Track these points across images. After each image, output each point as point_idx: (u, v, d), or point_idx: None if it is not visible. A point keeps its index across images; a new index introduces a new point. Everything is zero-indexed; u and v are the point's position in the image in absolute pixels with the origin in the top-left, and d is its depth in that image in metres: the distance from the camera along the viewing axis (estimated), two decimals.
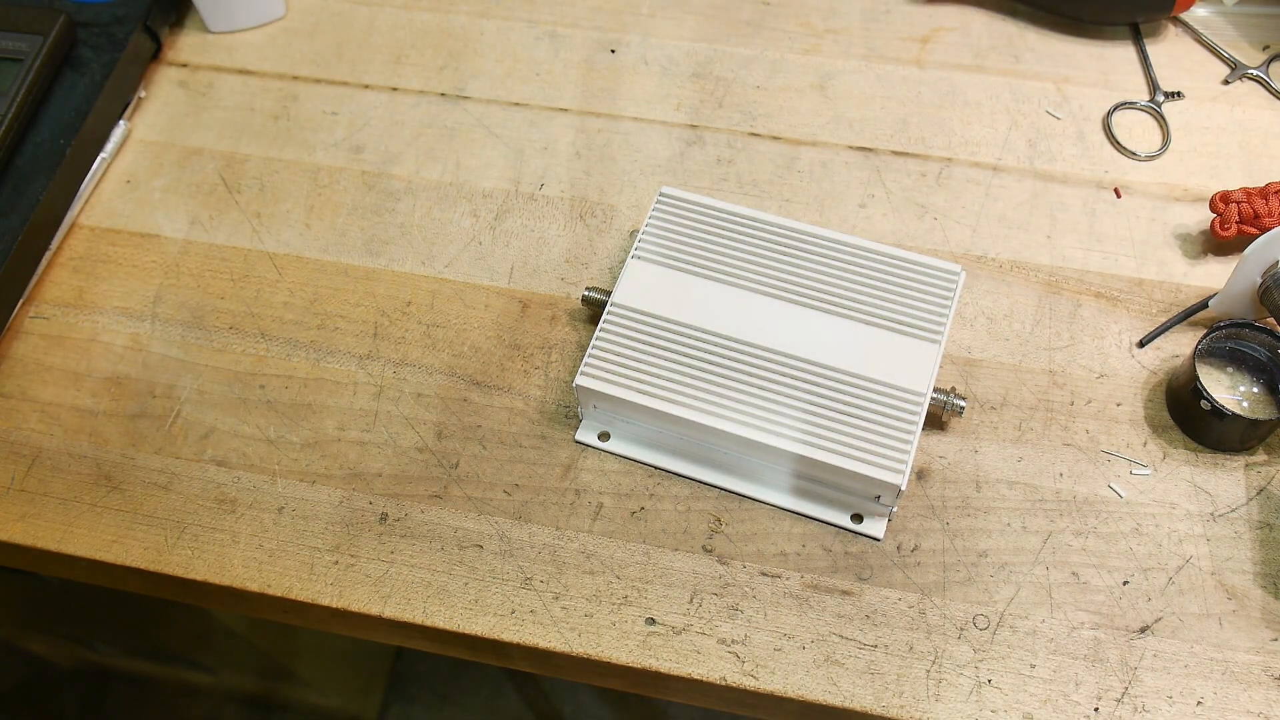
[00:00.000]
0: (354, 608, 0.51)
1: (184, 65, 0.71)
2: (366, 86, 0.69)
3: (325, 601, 0.52)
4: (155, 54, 0.71)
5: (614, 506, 0.54)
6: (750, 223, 0.57)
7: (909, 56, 0.69)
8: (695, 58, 0.70)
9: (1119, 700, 0.48)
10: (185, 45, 0.72)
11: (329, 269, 0.62)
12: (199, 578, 0.53)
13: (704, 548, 0.52)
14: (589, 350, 0.54)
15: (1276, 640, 0.49)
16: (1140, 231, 0.61)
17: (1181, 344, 0.57)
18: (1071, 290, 0.59)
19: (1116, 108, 0.66)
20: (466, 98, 0.68)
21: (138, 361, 0.59)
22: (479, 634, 0.51)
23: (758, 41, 0.70)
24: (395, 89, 0.69)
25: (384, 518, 0.54)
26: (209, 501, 0.55)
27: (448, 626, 0.51)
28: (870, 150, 0.65)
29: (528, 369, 0.58)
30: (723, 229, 0.57)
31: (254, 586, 0.52)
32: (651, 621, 0.50)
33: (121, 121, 0.67)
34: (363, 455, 0.55)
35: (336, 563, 0.53)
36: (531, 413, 0.56)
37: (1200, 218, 0.61)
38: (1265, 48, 0.68)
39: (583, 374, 0.53)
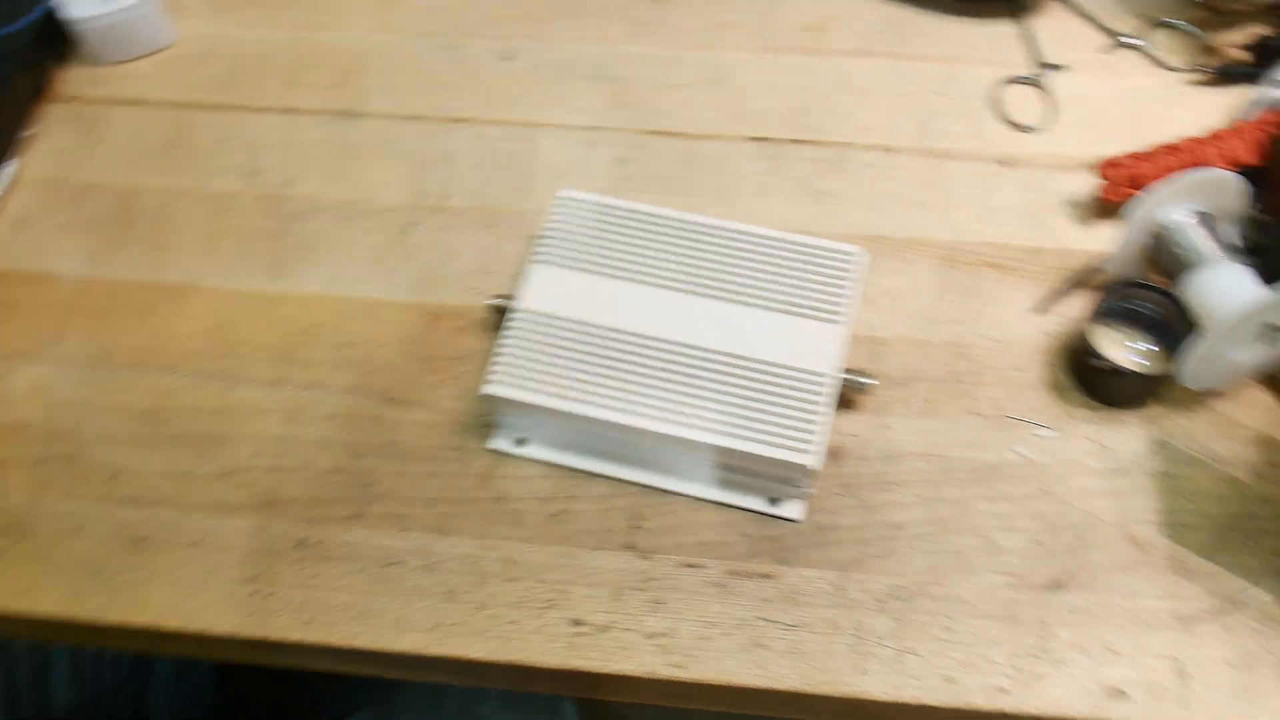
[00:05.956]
0: (275, 636, 0.51)
1: (74, 99, 0.70)
2: (262, 109, 0.69)
3: (247, 633, 0.51)
4: (43, 89, 0.70)
5: (533, 511, 0.54)
6: (651, 219, 0.58)
7: (801, 45, 0.70)
8: (592, 60, 0.70)
9: (1036, 656, 0.49)
10: (74, 79, 0.71)
11: (233, 296, 0.61)
12: (116, 620, 0.52)
13: (625, 544, 0.53)
14: (493, 357, 0.54)
15: (1181, 585, 0.51)
16: (1033, 202, 0.63)
17: (1078, 307, 0.59)
18: (970, 263, 0.61)
19: (1002, 83, 0.67)
20: (364, 114, 0.68)
21: (39, 405, 0.58)
22: (404, 651, 0.50)
23: (653, 40, 0.71)
24: (291, 110, 0.69)
25: (302, 543, 0.53)
26: (122, 542, 0.54)
27: (372, 647, 0.51)
28: (768, 140, 0.66)
29: (440, 381, 0.58)
30: (624, 227, 0.58)
31: (173, 624, 0.52)
32: (577, 622, 0.51)
33: (11, 161, 0.66)
34: (277, 482, 0.55)
35: (256, 592, 0.52)
36: (446, 425, 0.56)
37: (1089, 184, 0.63)
38: (1143, 16, 0.70)
39: (490, 381, 0.53)
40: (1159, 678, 0.49)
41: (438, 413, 0.57)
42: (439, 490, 0.55)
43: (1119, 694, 0.48)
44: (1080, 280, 0.59)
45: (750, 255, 0.56)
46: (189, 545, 0.54)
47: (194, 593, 0.52)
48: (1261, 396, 0.56)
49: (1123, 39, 0.69)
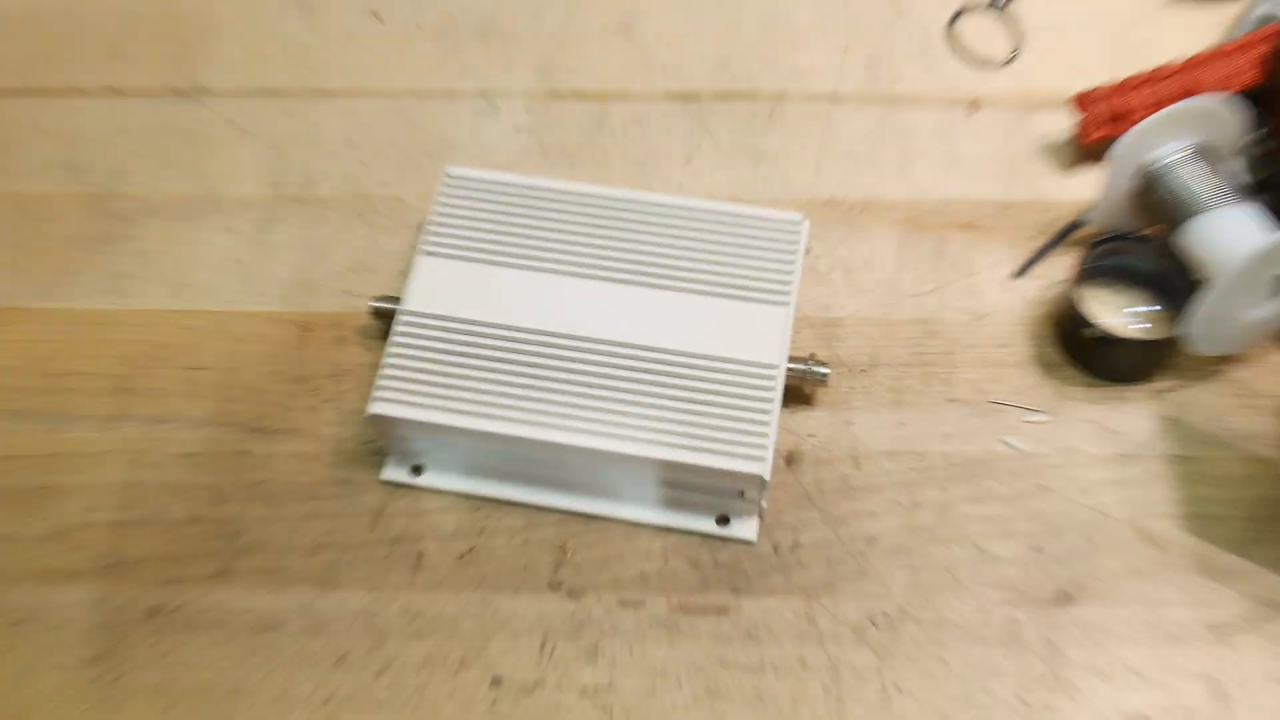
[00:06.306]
0: None
1: None
2: (79, 91, 0.66)
3: None
4: None
5: (438, 552, 0.52)
6: (557, 196, 0.56)
7: None
8: (476, 13, 0.68)
9: (1046, 686, 0.48)
10: None
11: (55, 318, 0.58)
12: None
13: (550, 584, 0.51)
14: (380, 371, 0.52)
15: (1210, 588, 0.50)
16: (1002, 148, 0.62)
17: (1062, 268, 0.58)
18: (934, 225, 0.60)
19: (959, 14, 0.67)
20: (206, 91, 0.66)
21: None
22: None
23: None
24: (115, 90, 0.66)
25: (155, 612, 0.51)
26: None
27: None
28: (690, 96, 0.65)
29: (316, 404, 0.56)
30: (528, 208, 0.56)
31: None
32: (497, 682, 0.49)
33: None
34: (121, 539, 0.52)
35: (101, 676, 0.49)
36: (326, 456, 0.54)
37: (1065, 124, 0.62)
38: None
39: (376, 399, 0.51)
40: (1193, 701, 0.47)
41: (315, 442, 0.55)
42: (322, 535, 0.52)
43: None
44: (1063, 237, 0.58)
45: (678, 232, 0.55)
46: (12, 625, 0.50)
47: (22, 682, 0.49)
48: None
49: None
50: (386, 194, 0.62)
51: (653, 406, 0.50)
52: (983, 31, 0.66)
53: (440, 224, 0.55)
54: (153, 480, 0.54)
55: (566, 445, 0.50)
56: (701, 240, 0.54)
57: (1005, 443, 0.53)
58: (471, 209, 0.56)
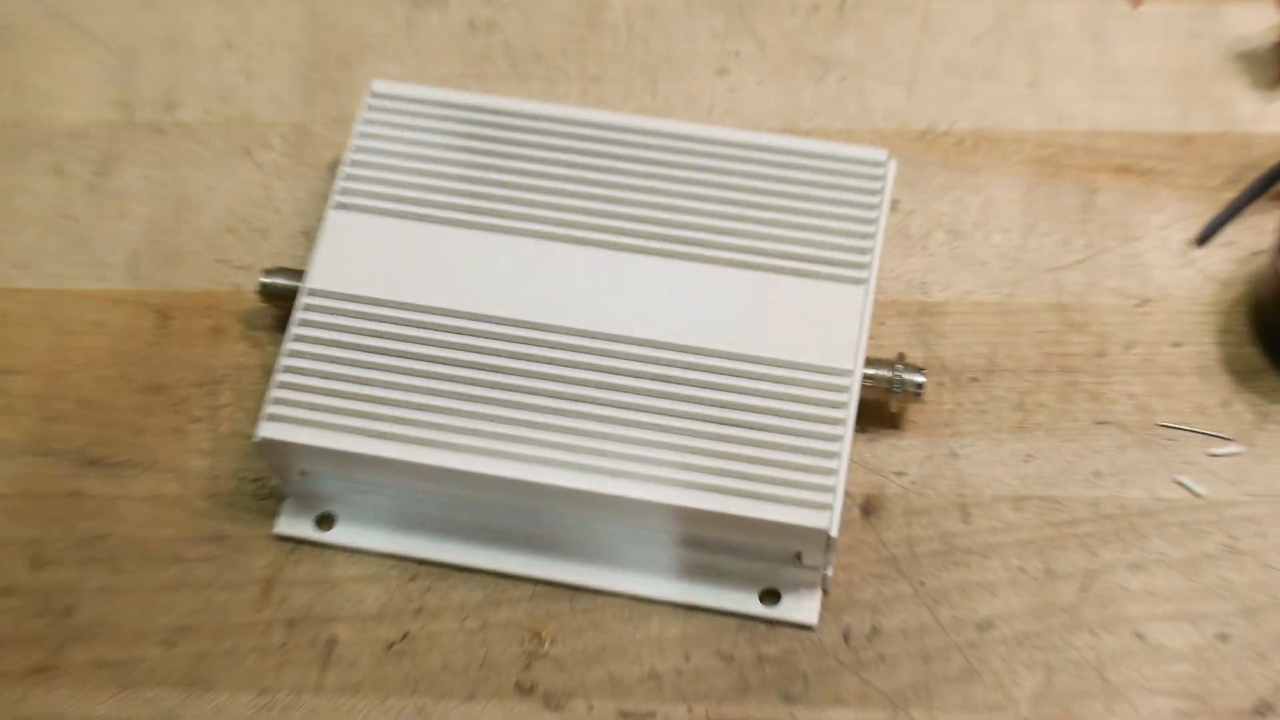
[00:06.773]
0: None
1: None
2: None
3: None
4: None
5: (356, 639, 0.53)
6: (531, 125, 0.57)
7: None
8: None
9: None
10: None
11: None
12: None
13: (519, 686, 0.52)
14: (276, 377, 0.52)
15: None
16: (1177, 57, 0.63)
17: (1264, 233, 0.58)
18: (1079, 167, 0.60)
19: None
20: None
21: None
22: None
23: None
24: None
25: None
26: None
27: None
28: None
29: (181, 425, 0.57)
30: (486, 141, 0.57)
31: None
32: None
33: None
34: None
35: None
36: (195, 498, 0.55)
37: (1269, 22, 0.63)
38: None
39: (270, 418, 0.52)
40: None
41: (179, 478, 0.56)
42: (189, 613, 0.53)
43: None
44: (1266, 186, 0.59)
45: (706, 176, 0.56)
46: None
47: None
48: None
49: None
50: (283, 120, 0.63)
51: (669, 431, 0.51)
52: None
53: (362, 164, 0.56)
54: None
55: (543, 486, 0.51)
56: (741, 189, 0.55)
57: (1181, 484, 0.54)
58: (407, 142, 0.57)
